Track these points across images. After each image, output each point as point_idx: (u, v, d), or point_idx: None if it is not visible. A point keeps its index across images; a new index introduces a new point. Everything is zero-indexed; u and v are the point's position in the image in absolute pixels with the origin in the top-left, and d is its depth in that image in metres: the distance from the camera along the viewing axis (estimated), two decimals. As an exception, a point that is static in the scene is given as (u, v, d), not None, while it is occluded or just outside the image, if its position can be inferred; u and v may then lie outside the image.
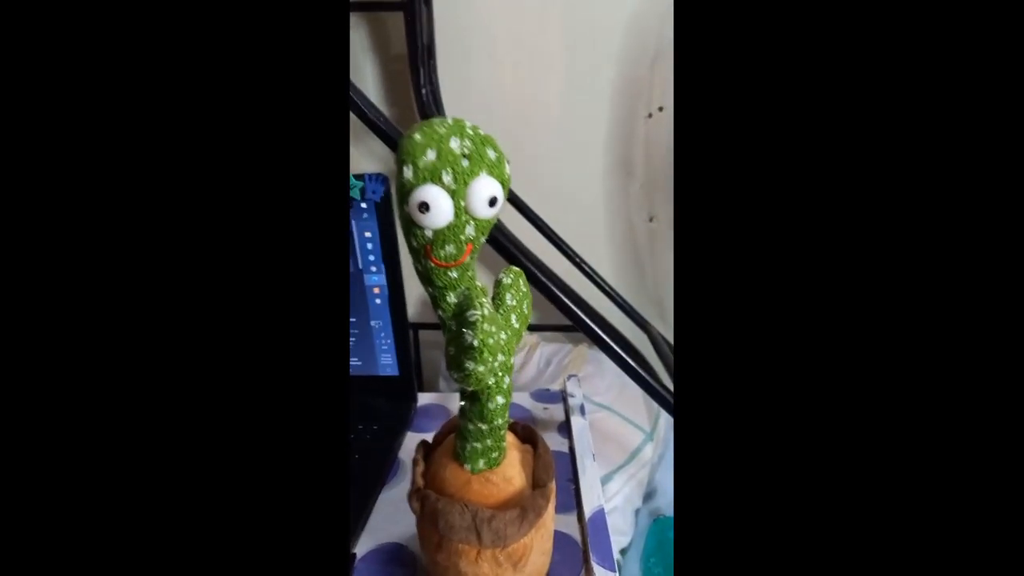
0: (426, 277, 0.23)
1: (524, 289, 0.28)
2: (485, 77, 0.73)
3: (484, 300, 0.22)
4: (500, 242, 0.41)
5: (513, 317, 0.28)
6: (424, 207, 0.21)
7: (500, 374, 0.26)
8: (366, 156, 0.79)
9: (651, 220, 0.80)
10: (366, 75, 0.75)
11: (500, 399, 0.26)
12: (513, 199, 0.71)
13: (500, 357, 0.26)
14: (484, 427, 0.26)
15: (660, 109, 0.73)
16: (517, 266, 0.44)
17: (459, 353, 0.22)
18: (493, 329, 0.22)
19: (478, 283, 0.25)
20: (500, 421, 0.26)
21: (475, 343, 0.21)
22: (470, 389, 0.24)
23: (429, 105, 0.55)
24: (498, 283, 0.28)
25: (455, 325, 0.22)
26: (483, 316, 0.22)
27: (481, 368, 0.22)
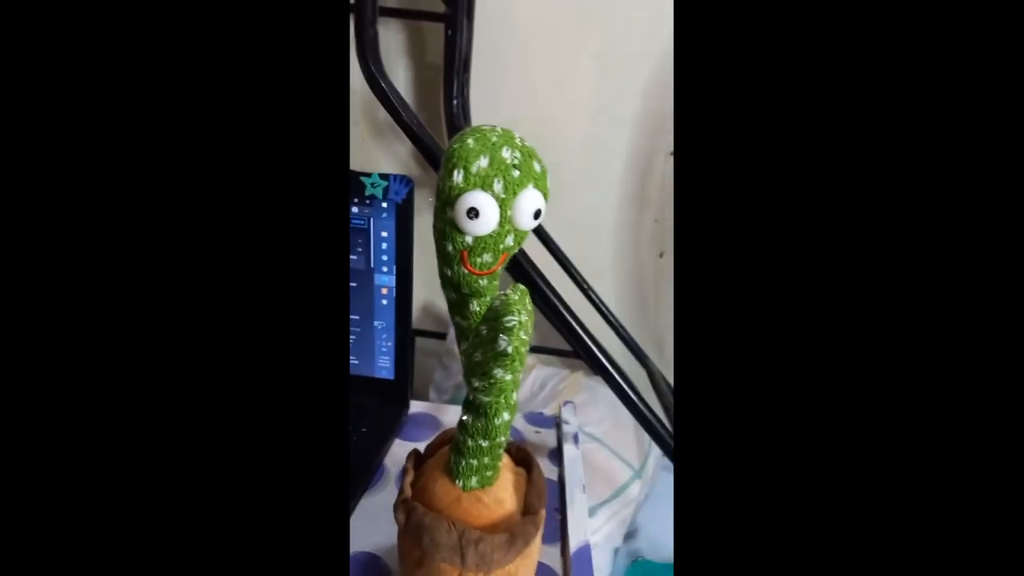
0: (452, 283, 0.23)
1: (529, 308, 0.28)
2: (515, 94, 0.74)
3: (522, 308, 0.22)
4: (514, 257, 0.41)
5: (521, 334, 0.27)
6: (473, 213, 0.21)
7: (510, 390, 0.25)
8: (389, 158, 0.80)
9: (661, 256, 0.80)
10: (398, 79, 0.75)
11: (506, 415, 0.25)
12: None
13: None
14: (485, 444, 0.25)
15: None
16: (529, 284, 0.44)
17: (488, 360, 0.21)
18: (526, 339, 0.22)
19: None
20: (502, 439, 0.25)
21: (509, 350, 0.21)
22: (486, 399, 0.23)
23: (458, 116, 0.55)
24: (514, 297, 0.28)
25: (486, 329, 0.22)
26: (520, 323, 0.21)
27: (509, 377, 0.21)
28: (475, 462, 0.25)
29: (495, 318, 0.21)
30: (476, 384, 0.22)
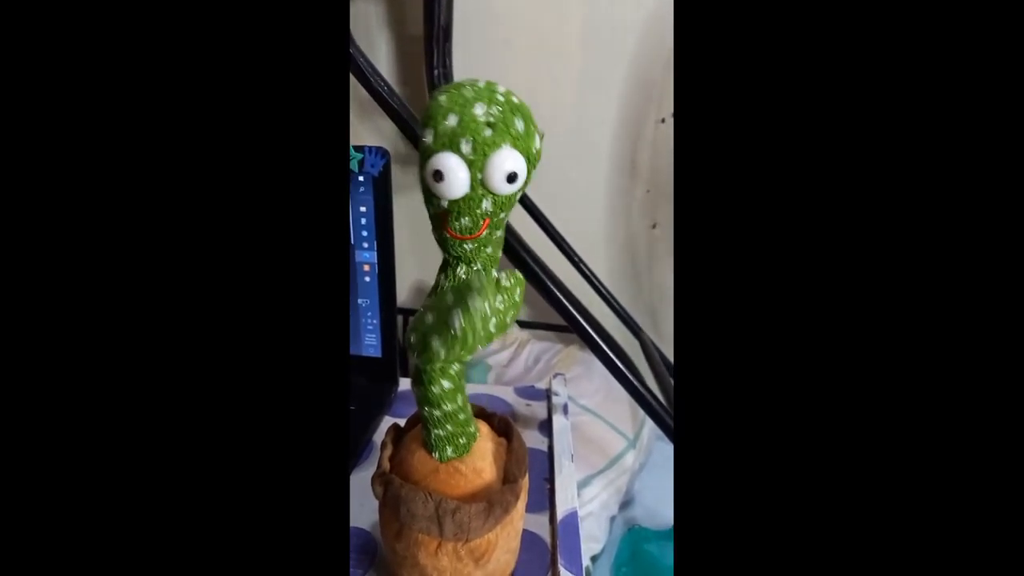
0: (442, 244, 0.22)
1: (517, 300, 0.27)
2: (498, 65, 0.72)
3: (491, 300, 0.21)
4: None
5: (492, 321, 0.27)
6: (438, 176, 0.19)
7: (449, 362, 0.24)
8: (372, 132, 0.78)
9: (654, 227, 0.79)
10: (380, 52, 0.73)
11: (446, 383, 0.24)
12: (516, 192, 0.70)
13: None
14: (436, 413, 0.24)
15: (673, 115, 0.72)
16: (516, 260, 0.43)
17: (433, 327, 0.21)
18: (479, 329, 0.21)
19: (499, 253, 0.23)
20: (451, 406, 0.25)
21: (457, 331, 0.20)
22: (415, 361, 0.23)
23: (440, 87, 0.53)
24: (495, 284, 0.27)
25: (451, 298, 0.21)
26: (483, 315, 0.20)
27: (443, 353, 0.21)
28: (440, 432, 0.25)
29: (462, 294, 0.21)
30: (411, 339, 0.22)
